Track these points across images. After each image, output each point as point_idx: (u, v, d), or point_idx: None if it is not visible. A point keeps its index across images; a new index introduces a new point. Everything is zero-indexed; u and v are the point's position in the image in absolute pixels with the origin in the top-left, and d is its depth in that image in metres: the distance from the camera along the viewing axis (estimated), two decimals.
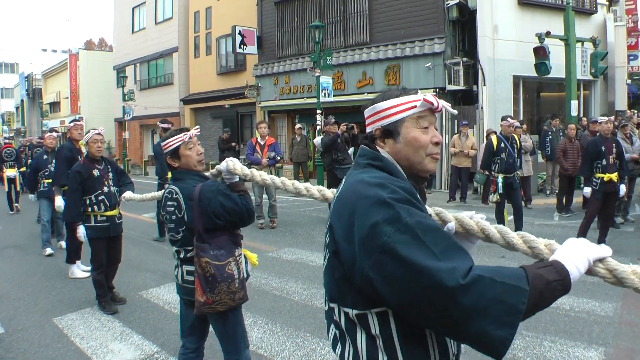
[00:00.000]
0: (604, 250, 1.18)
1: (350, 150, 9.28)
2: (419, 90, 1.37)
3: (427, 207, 1.43)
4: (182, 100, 22.53)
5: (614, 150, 6.40)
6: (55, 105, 36.60)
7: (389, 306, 1.16)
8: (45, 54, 52.79)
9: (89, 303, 4.78)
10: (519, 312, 1.03)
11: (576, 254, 1.15)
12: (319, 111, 12.92)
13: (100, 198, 4.59)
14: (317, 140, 9.62)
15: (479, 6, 12.48)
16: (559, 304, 4.39)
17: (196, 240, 2.43)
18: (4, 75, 52.24)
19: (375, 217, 1.13)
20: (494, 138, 7.08)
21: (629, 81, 18.60)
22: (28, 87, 41.09)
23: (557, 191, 9.79)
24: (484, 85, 12.46)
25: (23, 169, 11.17)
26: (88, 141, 4.64)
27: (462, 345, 1.33)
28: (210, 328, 2.66)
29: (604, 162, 6.32)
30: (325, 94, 13.00)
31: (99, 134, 4.71)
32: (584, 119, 12.15)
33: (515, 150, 7.05)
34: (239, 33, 17.03)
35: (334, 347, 1.35)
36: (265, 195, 8.56)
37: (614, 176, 6.32)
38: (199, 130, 2.71)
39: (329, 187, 9.68)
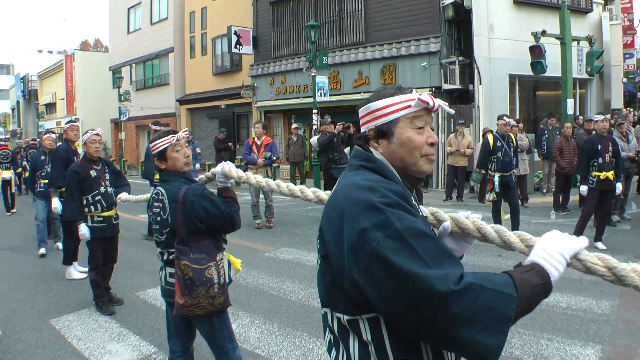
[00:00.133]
0: (580, 242, 1.17)
1: (347, 150, 9.28)
2: (413, 90, 1.34)
3: (422, 207, 1.41)
4: (178, 100, 22.48)
5: (610, 148, 6.42)
6: (51, 107, 36.41)
7: (379, 312, 1.13)
8: (40, 55, 52.62)
9: (86, 304, 4.77)
10: (509, 319, 1.02)
11: (553, 253, 1.14)
12: (315, 111, 12.90)
13: (97, 198, 4.61)
14: (314, 140, 9.63)
15: (475, 5, 12.49)
16: (556, 302, 4.40)
17: (177, 242, 2.42)
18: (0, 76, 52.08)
19: (364, 222, 1.10)
20: (490, 137, 7.09)
21: (624, 80, 18.71)
22: (24, 89, 40.87)
23: (553, 190, 9.83)
24: (480, 84, 12.47)
25: (19, 170, 11.13)
26: (86, 141, 4.65)
27: None
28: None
29: (600, 160, 6.35)
30: (321, 93, 12.99)
31: (97, 134, 4.75)
32: (580, 117, 12.18)
33: (512, 149, 7.05)
34: (235, 33, 17.00)
35: (329, 352, 1.32)
36: (262, 196, 8.56)
37: (610, 174, 6.35)
38: (187, 132, 2.71)
39: (325, 186, 9.71)
